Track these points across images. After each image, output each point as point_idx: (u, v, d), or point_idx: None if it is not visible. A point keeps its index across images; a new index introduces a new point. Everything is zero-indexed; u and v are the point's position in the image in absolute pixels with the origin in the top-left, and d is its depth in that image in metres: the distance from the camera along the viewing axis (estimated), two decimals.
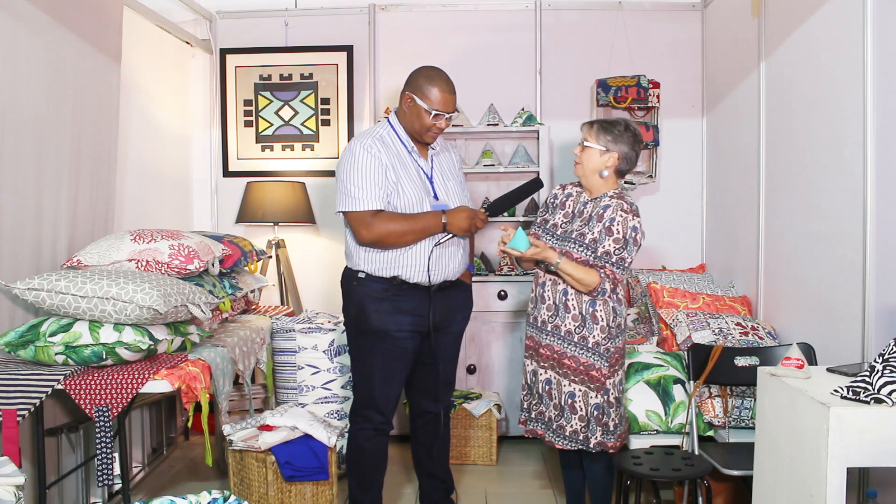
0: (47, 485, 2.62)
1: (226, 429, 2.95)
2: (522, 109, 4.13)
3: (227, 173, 4.38)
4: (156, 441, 3.77)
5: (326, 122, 4.32)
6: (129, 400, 2.36)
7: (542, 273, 2.72)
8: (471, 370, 4.02)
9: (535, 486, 3.45)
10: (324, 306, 4.13)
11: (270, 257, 4.02)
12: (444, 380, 2.85)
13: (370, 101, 4.29)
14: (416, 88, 2.62)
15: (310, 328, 3.40)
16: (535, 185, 2.87)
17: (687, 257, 4.22)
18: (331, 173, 4.14)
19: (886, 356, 1.87)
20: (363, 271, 2.67)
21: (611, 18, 4.22)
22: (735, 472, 2.51)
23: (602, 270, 2.56)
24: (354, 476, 2.80)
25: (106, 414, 2.34)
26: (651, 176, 4.04)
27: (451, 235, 2.65)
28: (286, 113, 4.33)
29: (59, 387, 2.34)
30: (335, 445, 2.96)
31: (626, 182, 3.95)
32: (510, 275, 4.02)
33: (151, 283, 2.44)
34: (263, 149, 4.35)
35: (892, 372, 1.81)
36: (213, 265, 2.95)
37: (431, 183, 2.71)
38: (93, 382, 2.35)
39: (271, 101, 4.33)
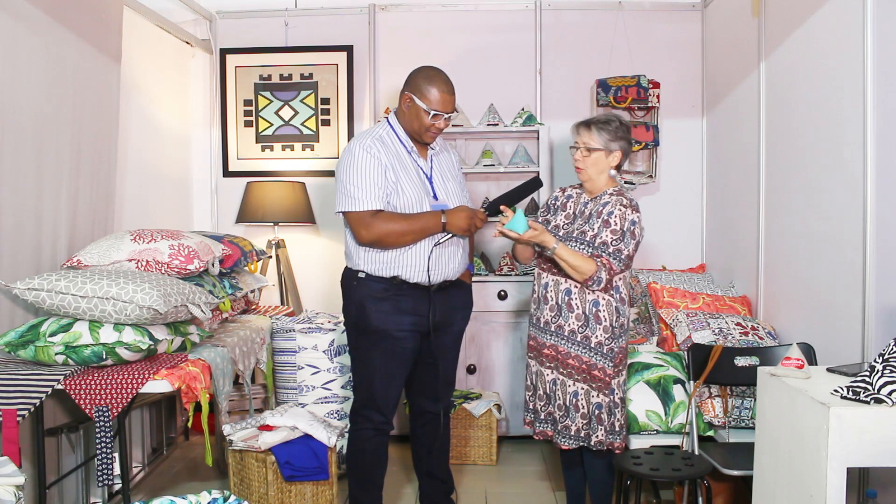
0: (47, 485, 2.62)
1: (226, 429, 2.95)
2: (522, 109, 4.13)
3: (227, 173, 4.38)
4: (156, 441, 3.77)
5: (326, 122, 4.32)
6: (129, 400, 2.36)
7: (544, 273, 2.72)
8: (471, 370, 4.02)
9: (535, 486, 3.44)
10: (324, 306, 4.13)
11: (270, 257, 4.02)
12: (444, 380, 2.85)
13: (370, 101, 4.29)
14: (415, 88, 2.62)
15: (310, 328, 3.40)
16: (535, 184, 2.87)
17: (687, 257, 4.22)
18: (331, 173, 4.14)
19: (886, 356, 1.87)
20: (363, 271, 2.67)
21: (611, 18, 4.22)
22: (735, 472, 2.51)
23: (598, 260, 2.56)
24: (354, 476, 2.80)
25: (106, 414, 2.34)
26: (651, 176, 4.03)
27: (450, 235, 2.65)
28: (286, 113, 4.33)
29: (59, 387, 2.34)
30: (335, 445, 2.96)
31: (626, 182, 3.96)
32: (510, 275, 4.02)
33: (151, 283, 2.44)
34: (263, 149, 4.35)
35: (892, 372, 1.81)
36: (213, 265, 2.95)
37: (431, 183, 2.71)
38: (93, 382, 2.35)
39: (271, 101, 4.33)
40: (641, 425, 2.98)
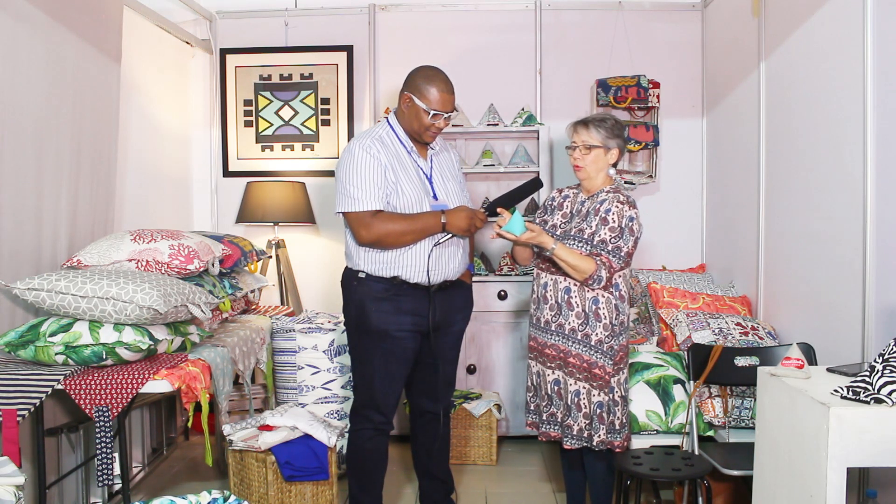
0: (47, 485, 2.62)
1: (226, 429, 2.95)
2: (522, 109, 4.13)
3: (227, 173, 4.38)
4: (156, 441, 3.77)
5: (326, 122, 4.32)
6: (129, 400, 2.36)
7: (542, 273, 2.72)
8: (471, 370, 4.02)
9: (535, 486, 3.44)
10: (324, 306, 4.14)
11: (270, 257, 4.02)
12: (444, 380, 2.85)
13: (370, 101, 4.29)
14: (414, 88, 2.62)
15: (310, 328, 3.40)
16: (535, 184, 2.87)
17: (687, 257, 4.22)
18: (331, 173, 4.14)
19: (886, 356, 1.87)
20: (363, 271, 2.67)
21: (611, 18, 4.22)
22: (735, 472, 2.51)
23: (598, 258, 2.56)
24: (354, 476, 2.80)
25: (106, 414, 2.34)
26: (651, 176, 4.03)
27: (450, 235, 2.65)
28: (286, 113, 4.33)
29: (59, 387, 2.34)
30: (335, 445, 2.96)
31: (626, 182, 3.96)
32: (510, 275, 4.02)
33: (151, 283, 2.44)
34: (263, 149, 4.35)
35: (892, 372, 1.81)
36: (213, 265, 2.95)
37: (431, 183, 2.71)
38: (93, 382, 2.35)
39: (271, 101, 4.33)
40: (641, 425, 2.98)
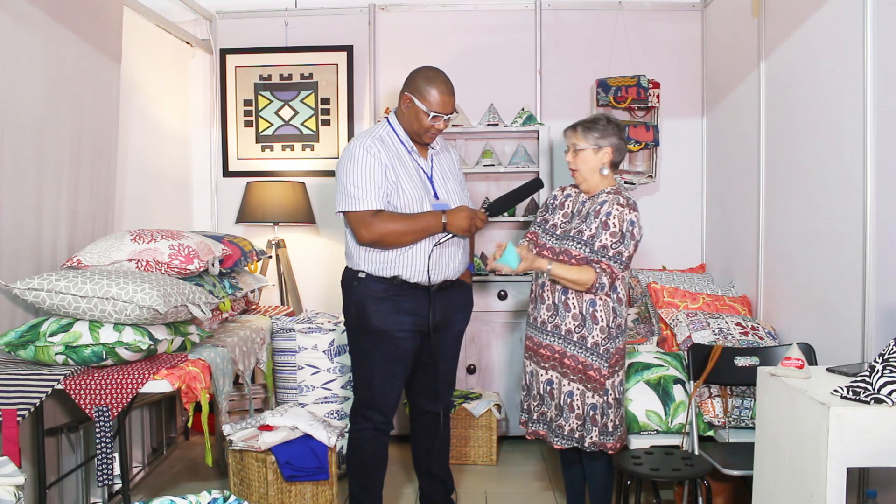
0: (47, 485, 2.62)
1: (226, 429, 2.95)
2: (522, 109, 4.13)
3: (227, 173, 4.38)
4: (156, 441, 3.77)
5: (326, 122, 4.32)
6: (129, 400, 2.36)
7: (541, 273, 2.72)
8: (471, 370, 4.02)
9: (535, 486, 3.44)
10: (324, 306, 4.13)
11: (270, 257, 4.02)
12: (444, 380, 2.85)
13: (370, 101, 4.29)
14: (414, 89, 2.62)
15: (310, 328, 3.40)
16: (535, 185, 2.87)
17: (687, 257, 4.22)
18: (331, 173, 4.14)
19: (886, 356, 1.87)
20: (363, 271, 2.67)
21: (611, 18, 4.22)
22: (735, 472, 2.51)
23: (598, 265, 2.56)
24: (354, 476, 2.80)
25: (106, 414, 2.34)
26: (651, 176, 4.03)
27: (450, 235, 2.65)
28: (286, 113, 4.33)
29: (59, 387, 2.34)
30: (335, 445, 2.96)
31: (626, 182, 3.96)
32: (510, 275, 4.01)
33: (151, 283, 2.44)
34: (263, 149, 4.35)
35: (892, 372, 1.81)
36: (213, 265, 2.95)
37: (431, 182, 2.71)
38: (93, 382, 2.35)
39: (271, 101, 4.33)
40: (641, 425, 2.98)
